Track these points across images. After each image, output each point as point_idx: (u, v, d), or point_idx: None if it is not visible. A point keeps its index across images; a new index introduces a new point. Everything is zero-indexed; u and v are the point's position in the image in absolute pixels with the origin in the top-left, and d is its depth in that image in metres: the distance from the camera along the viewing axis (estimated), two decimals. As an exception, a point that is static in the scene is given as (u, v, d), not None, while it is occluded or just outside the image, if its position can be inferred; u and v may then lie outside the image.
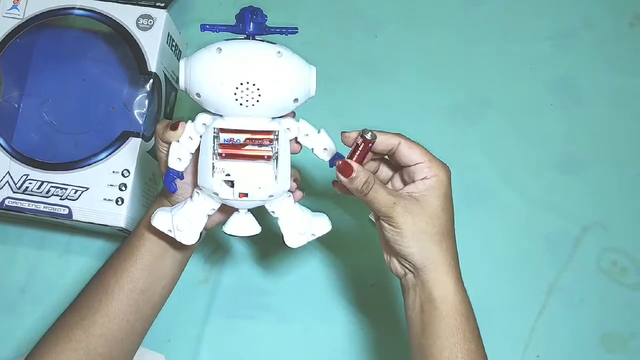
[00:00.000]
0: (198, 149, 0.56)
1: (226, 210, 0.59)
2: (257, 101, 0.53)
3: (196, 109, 0.84)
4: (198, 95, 0.53)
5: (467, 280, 0.77)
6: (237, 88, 0.52)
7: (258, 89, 0.52)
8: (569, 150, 0.83)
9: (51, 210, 0.71)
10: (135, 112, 0.73)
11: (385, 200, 0.54)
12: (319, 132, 0.59)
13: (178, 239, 0.57)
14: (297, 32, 0.55)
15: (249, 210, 0.59)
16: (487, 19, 0.88)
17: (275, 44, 0.54)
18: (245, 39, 0.54)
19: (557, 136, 0.83)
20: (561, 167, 0.82)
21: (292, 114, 0.58)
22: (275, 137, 0.55)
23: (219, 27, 0.54)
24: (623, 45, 0.87)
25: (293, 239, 0.59)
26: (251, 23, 0.54)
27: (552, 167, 0.82)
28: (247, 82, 0.52)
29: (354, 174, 0.53)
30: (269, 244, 0.78)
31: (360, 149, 0.56)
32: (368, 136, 0.56)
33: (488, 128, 0.84)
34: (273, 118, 0.56)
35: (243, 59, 0.52)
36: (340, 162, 0.54)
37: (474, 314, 0.56)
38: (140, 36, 0.74)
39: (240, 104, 0.53)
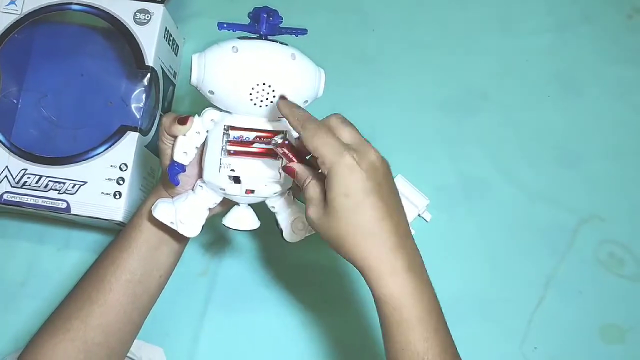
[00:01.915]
0: (202, 144, 0.57)
1: (226, 202, 0.60)
2: (271, 102, 0.54)
3: (196, 104, 0.85)
4: (211, 92, 0.54)
5: (465, 272, 0.78)
6: (252, 88, 0.53)
7: (273, 90, 0.53)
8: (566, 142, 0.83)
9: (49, 205, 0.71)
10: (133, 106, 0.74)
11: (312, 199, 0.51)
12: None
13: (180, 232, 0.58)
14: (306, 33, 0.57)
15: (249, 204, 0.59)
16: (485, 13, 0.88)
17: (287, 45, 0.55)
18: (257, 38, 0.55)
19: (555, 129, 0.83)
20: (559, 160, 0.82)
21: None
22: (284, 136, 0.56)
23: (235, 27, 0.55)
24: (621, 37, 0.87)
25: (291, 234, 0.60)
26: (266, 24, 0.55)
27: (550, 159, 0.82)
28: (264, 84, 0.53)
29: (296, 174, 0.53)
30: (267, 237, 0.78)
31: (285, 152, 0.55)
32: (279, 140, 0.55)
33: (486, 121, 0.84)
34: (279, 117, 0.57)
35: (260, 60, 0.53)
36: (285, 167, 0.54)
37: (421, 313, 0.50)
38: (137, 31, 0.74)
39: (254, 104, 0.54)
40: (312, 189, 0.51)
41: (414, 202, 0.78)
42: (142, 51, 0.74)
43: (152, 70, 0.74)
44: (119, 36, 0.75)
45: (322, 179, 0.50)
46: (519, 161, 0.82)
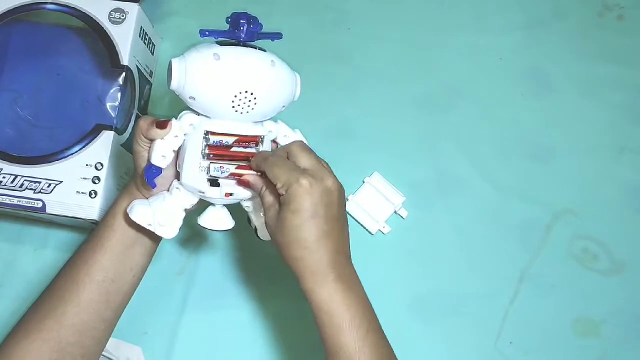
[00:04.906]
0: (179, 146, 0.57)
1: (201, 200, 0.60)
2: (252, 109, 0.55)
3: (175, 103, 0.85)
4: (192, 98, 0.54)
5: (440, 268, 0.79)
6: (235, 96, 0.54)
7: (255, 98, 0.54)
8: (539, 138, 0.84)
9: (25, 204, 0.71)
10: (108, 105, 0.74)
11: (270, 206, 0.56)
12: (294, 131, 0.61)
13: (159, 234, 0.59)
14: (281, 37, 0.57)
15: (224, 204, 0.60)
16: (458, 10, 0.89)
17: (266, 51, 0.56)
18: (236, 43, 0.55)
19: (528, 125, 0.84)
20: (532, 156, 0.83)
21: None
22: (261, 140, 0.57)
23: (217, 33, 0.55)
24: (592, 35, 0.88)
25: (265, 232, 0.60)
26: (245, 31, 0.55)
27: (523, 155, 0.83)
28: (246, 92, 0.54)
29: (250, 184, 0.57)
30: (242, 235, 0.78)
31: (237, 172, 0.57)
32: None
33: (460, 118, 0.84)
34: (257, 121, 0.57)
35: (242, 68, 0.54)
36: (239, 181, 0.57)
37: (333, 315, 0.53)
38: (112, 30, 0.74)
39: (236, 111, 0.54)
40: (268, 197, 0.56)
41: (390, 199, 0.79)
42: (117, 50, 0.74)
43: (127, 69, 0.74)
44: (94, 35, 0.75)
45: (276, 191, 0.54)
46: (493, 157, 0.83)
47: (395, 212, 0.80)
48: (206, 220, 0.60)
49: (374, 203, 0.80)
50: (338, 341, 0.53)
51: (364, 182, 0.81)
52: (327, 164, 0.58)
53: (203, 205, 0.61)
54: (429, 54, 0.87)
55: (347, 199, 0.80)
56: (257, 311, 0.77)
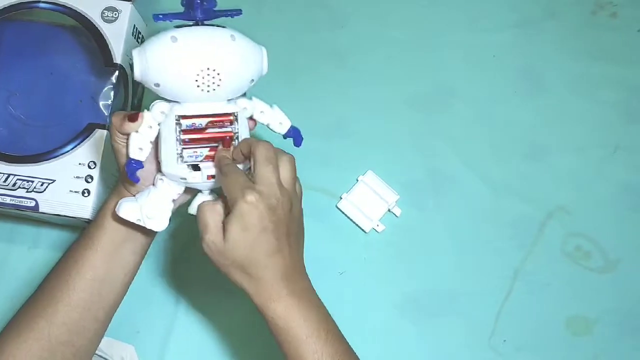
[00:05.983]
0: (156, 137, 0.57)
1: (189, 190, 0.60)
2: (218, 85, 0.54)
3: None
4: (157, 85, 0.54)
5: (434, 266, 0.79)
6: (198, 75, 0.53)
7: (218, 74, 0.54)
8: (533, 137, 0.84)
9: (17, 203, 0.71)
10: (101, 104, 0.74)
11: (210, 225, 0.55)
12: (272, 107, 0.61)
13: (149, 227, 0.58)
14: (241, 13, 0.57)
15: (211, 191, 0.60)
16: (451, 9, 0.89)
17: (225, 27, 0.56)
18: (194, 24, 0.55)
19: (521, 123, 0.84)
20: (525, 154, 0.83)
21: (244, 94, 0.59)
22: (235, 117, 0.57)
23: (171, 16, 0.55)
24: (585, 33, 0.88)
25: None
26: (200, 9, 0.55)
27: (517, 153, 0.83)
28: (208, 69, 0.53)
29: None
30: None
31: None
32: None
33: (453, 117, 0.84)
34: (228, 100, 0.57)
35: (200, 46, 0.54)
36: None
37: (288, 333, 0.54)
38: (105, 28, 0.74)
39: (202, 90, 0.54)
40: (211, 215, 0.54)
41: (384, 197, 0.79)
42: (110, 49, 0.74)
43: (120, 67, 0.74)
44: (87, 34, 0.74)
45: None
46: (486, 156, 0.83)
47: (389, 210, 0.80)
48: (195, 208, 0.60)
49: (367, 201, 0.80)
50: (296, 352, 0.54)
51: (357, 180, 0.81)
52: (291, 178, 0.55)
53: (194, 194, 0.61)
54: (423, 53, 0.87)
55: (341, 198, 0.80)
56: (252, 309, 0.76)
